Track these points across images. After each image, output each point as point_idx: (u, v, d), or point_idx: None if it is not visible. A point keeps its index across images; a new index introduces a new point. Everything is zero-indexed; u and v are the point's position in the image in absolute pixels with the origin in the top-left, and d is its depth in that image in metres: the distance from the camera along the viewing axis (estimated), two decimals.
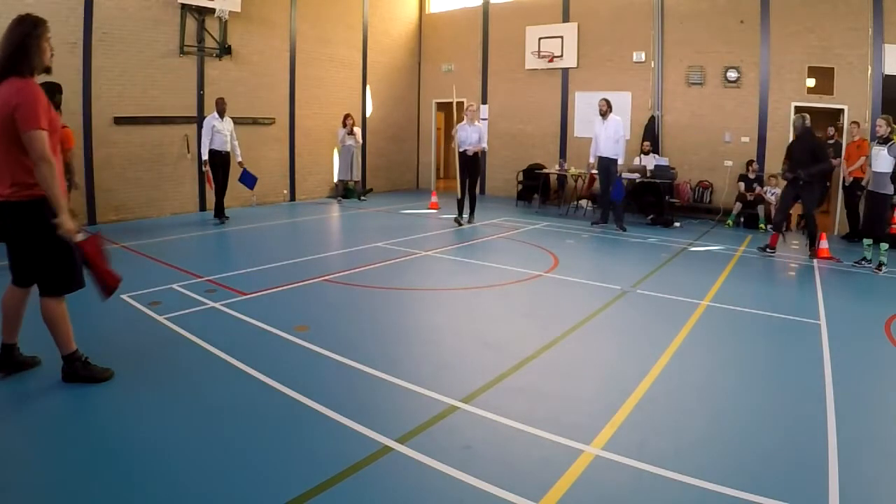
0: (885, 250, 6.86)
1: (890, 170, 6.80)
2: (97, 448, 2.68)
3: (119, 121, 8.86)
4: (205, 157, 8.82)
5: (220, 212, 9.06)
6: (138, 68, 9.03)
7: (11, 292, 3.33)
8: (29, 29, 3.02)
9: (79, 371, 3.29)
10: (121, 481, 2.43)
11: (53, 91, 6.69)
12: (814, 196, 7.77)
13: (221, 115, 8.86)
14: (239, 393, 3.30)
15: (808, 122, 7.55)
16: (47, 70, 3.12)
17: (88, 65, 8.38)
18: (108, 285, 3.40)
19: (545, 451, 2.74)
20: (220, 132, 8.83)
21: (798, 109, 9.93)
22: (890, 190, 6.87)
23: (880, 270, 6.79)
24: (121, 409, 3.07)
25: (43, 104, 2.97)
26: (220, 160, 8.87)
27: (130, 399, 3.18)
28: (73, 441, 2.73)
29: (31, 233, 3.08)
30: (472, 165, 9.34)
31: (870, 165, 7.22)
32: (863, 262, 7.06)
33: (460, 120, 9.62)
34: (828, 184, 9.84)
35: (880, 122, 6.99)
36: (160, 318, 4.46)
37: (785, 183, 7.87)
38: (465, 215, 9.48)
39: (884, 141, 6.88)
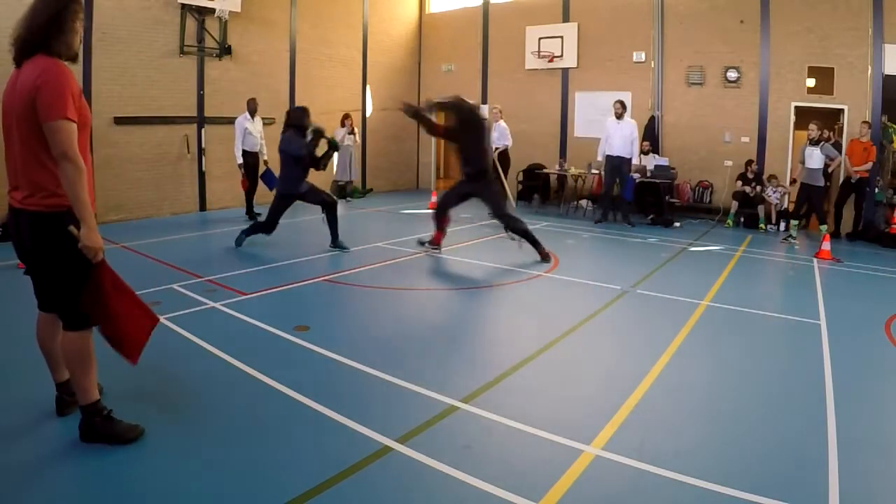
0: (823, 228, 8.32)
1: (821, 166, 8.19)
2: (96, 447, 2.68)
3: (119, 121, 8.86)
4: (239, 159, 8.85)
5: (250, 210, 9.18)
6: (138, 68, 9.03)
7: (42, 322, 2.81)
8: (66, 1, 2.47)
9: (98, 427, 2.67)
10: (119, 480, 2.43)
11: (302, 116, 6.65)
12: (493, 193, 6.51)
13: (252, 115, 8.94)
14: (238, 393, 3.31)
15: (471, 104, 6.22)
16: (74, 58, 2.58)
17: (88, 65, 8.37)
18: (131, 337, 2.69)
19: (545, 451, 2.74)
20: (252, 133, 8.94)
21: (798, 109, 9.96)
22: (821, 182, 8.27)
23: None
24: (119, 410, 3.07)
25: (73, 89, 2.41)
26: (251, 160, 8.97)
27: (128, 400, 3.17)
28: (71, 439, 2.73)
29: (53, 252, 2.50)
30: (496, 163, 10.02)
31: (802, 163, 8.39)
32: (789, 240, 8.61)
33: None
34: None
35: (812, 126, 8.31)
36: (160, 318, 4.44)
37: None
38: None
39: (815, 142, 8.20)
